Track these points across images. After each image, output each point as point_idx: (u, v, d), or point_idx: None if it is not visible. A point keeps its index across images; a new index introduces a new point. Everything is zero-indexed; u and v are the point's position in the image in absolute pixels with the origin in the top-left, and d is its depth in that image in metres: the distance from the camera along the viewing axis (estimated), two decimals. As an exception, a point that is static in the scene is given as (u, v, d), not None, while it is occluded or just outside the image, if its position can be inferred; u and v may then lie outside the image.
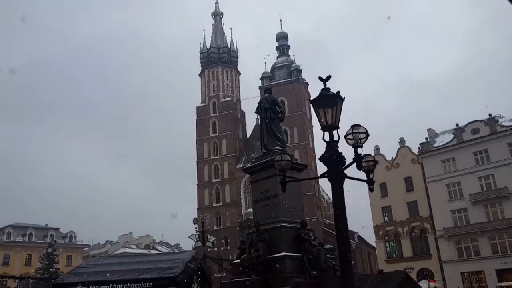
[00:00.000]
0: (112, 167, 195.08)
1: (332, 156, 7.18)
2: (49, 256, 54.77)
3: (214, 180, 69.53)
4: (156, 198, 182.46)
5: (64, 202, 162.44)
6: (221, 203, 68.20)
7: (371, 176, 7.82)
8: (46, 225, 77.19)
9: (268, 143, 16.85)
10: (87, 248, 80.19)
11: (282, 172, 7.65)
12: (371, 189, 8.18)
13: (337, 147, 7.41)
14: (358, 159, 7.19)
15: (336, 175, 7.18)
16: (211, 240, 34.51)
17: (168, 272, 5.60)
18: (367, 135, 7.14)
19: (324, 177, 7.29)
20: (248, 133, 75.25)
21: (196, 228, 34.32)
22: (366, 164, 7.68)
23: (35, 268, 55.02)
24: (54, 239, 65.75)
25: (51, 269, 51.25)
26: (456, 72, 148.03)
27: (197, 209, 66.59)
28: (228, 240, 64.30)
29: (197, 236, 30.11)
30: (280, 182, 7.58)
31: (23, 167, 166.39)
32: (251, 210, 44.26)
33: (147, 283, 5.45)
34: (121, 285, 5.45)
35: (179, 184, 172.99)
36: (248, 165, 19.27)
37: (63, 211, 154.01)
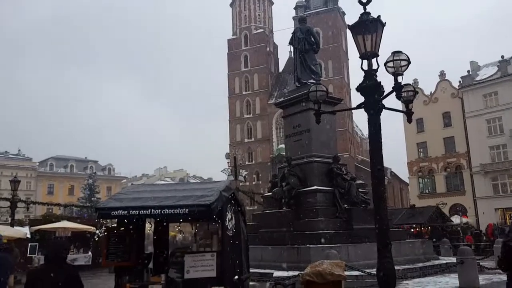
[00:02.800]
0: (148, 106, 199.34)
1: (370, 85, 6.85)
2: (90, 186, 57.72)
3: (245, 116, 69.69)
4: (189, 134, 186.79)
5: (103, 137, 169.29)
6: (252, 139, 68.79)
7: (410, 107, 7.52)
8: (86, 157, 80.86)
9: (301, 76, 16.43)
10: (125, 180, 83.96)
11: (316, 104, 7.42)
12: (409, 121, 7.90)
13: (376, 76, 7.05)
14: (398, 88, 6.83)
15: (374, 105, 6.88)
16: (243, 175, 35.23)
17: (203, 199, 5.67)
18: (409, 62, 6.71)
19: (361, 107, 7.01)
20: (281, 67, 73.80)
21: (228, 162, 34.91)
22: (406, 94, 7.35)
23: (78, 198, 58.32)
24: (94, 171, 68.89)
25: (92, 199, 54.18)
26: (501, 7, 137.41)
27: (229, 144, 67.53)
28: (260, 175, 65.58)
29: (229, 171, 30.73)
30: (314, 114, 7.37)
31: (64, 104, 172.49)
32: (282, 146, 44.49)
33: (183, 209, 5.55)
34: (159, 210, 5.58)
35: (212, 120, 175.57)
36: (281, 100, 19.01)
37: (102, 145, 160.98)
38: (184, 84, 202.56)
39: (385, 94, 7.02)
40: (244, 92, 70.22)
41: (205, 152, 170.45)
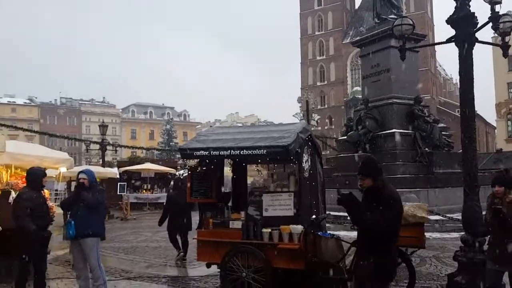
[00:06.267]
0: (220, 54, 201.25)
1: (463, 17, 6.20)
2: (168, 132, 60.70)
3: (318, 58, 67.68)
4: (261, 79, 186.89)
5: (178, 85, 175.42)
6: (325, 82, 67.11)
7: (507, 40, 6.76)
8: (163, 104, 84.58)
9: (381, 11, 15.42)
10: (199, 126, 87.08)
11: (401, 39, 6.89)
12: (505, 55, 7.14)
13: (469, 6, 6.36)
14: (495, 18, 6.13)
15: (466, 38, 6.25)
16: (315, 119, 34.77)
17: (280, 141, 5.68)
18: (510, -12, 5.95)
19: (451, 41, 6.42)
20: (357, 4, 69.70)
21: (300, 107, 34.54)
22: (503, 25, 6.58)
23: (158, 142, 61.75)
24: (171, 117, 72.00)
25: (171, 143, 57.08)
26: None
27: (301, 88, 66.53)
28: (332, 119, 64.47)
29: (301, 115, 30.48)
30: (398, 50, 6.87)
31: (142, 56, 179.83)
32: (358, 88, 43.00)
33: (261, 150, 5.61)
34: (238, 151, 5.69)
35: (283, 63, 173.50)
36: (357, 38, 18.10)
37: (177, 92, 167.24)
38: (255, 30, 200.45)
39: (479, 26, 6.35)
40: (317, 33, 67.73)
41: (276, 97, 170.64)
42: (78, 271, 5.69)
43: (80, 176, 5.57)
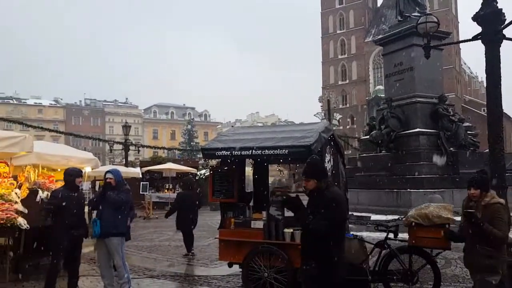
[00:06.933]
0: (240, 54, 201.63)
1: (489, 13, 6.07)
2: (189, 132, 61.18)
3: (340, 57, 67.12)
4: (280, 79, 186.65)
5: (199, 85, 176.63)
6: (347, 81, 66.50)
7: (536, 37, 6.58)
8: (184, 104, 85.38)
9: (404, 9, 15.22)
10: (219, 126, 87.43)
11: (425, 37, 6.78)
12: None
13: (496, 2, 6.22)
14: (524, 15, 5.97)
15: (493, 36, 6.12)
16: (337, 118, 34.50)
17: (302, 140, 5.64)
18: (540, -17, 5.79)
19: (478, 39, 6.29)
20: (379, 2, 68.79)
21: (321, 106, 34.35)
22: (533, 21, 6.41)
23: (179, 142, 62.30)
24: (192, 117, 72.55)
25: (192, 143, 57.51)
26: None
27: (322, 87, 66.13)
28: (354, 118, 63.84)
29: (322, 114, 30.31)
30: (423, 48, 6.77)
31: (161, 56, 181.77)
32: (380, 87, 42.49)
33: (283, 150, 5.59)
34: (260, 151, 5.68)
35: (303, 63, 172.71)
36: (380, 36, 17.89)
37: (198, 92, 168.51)
38: (274, 29, 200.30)
39: (506, 22, 6.20)
40: (338, 31, 67.19)
41: (296, 97, 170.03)
42: (103, 269, 5.78)
43: (107, 176, 5.67)
